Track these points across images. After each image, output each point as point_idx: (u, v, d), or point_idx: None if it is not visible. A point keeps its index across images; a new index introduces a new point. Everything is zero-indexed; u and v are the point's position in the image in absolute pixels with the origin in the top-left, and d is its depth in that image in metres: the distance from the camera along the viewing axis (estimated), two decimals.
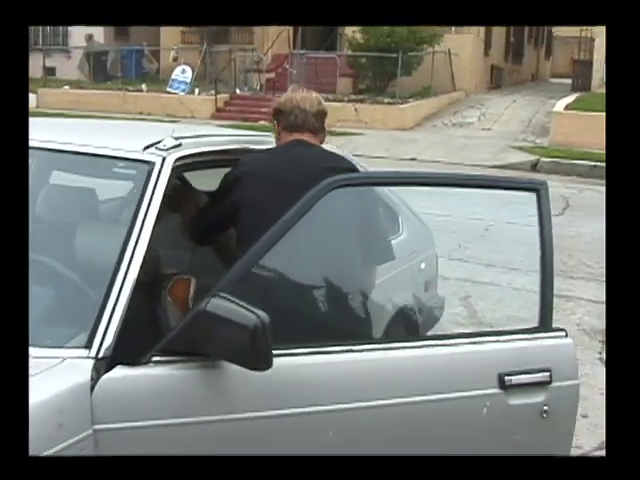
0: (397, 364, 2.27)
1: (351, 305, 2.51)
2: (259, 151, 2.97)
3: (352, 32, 19.21)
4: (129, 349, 2.07)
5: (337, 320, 2.41)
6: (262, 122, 18.75)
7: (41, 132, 2.65)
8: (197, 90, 20.10)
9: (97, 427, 1.92)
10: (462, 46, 19.42)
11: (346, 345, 2.24)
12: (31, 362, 1.93)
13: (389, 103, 18.13)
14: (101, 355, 2.01)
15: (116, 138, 2.75)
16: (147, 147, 2.50)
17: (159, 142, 2.52)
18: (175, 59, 21.30)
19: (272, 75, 21.17)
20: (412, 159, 14.77)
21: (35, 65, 22.88)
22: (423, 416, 2.28)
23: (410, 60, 18.19)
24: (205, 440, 2.03)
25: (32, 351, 1.97)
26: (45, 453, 1.80)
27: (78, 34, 22.95)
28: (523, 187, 2.61)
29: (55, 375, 1.94)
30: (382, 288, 3.80)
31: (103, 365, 2.00)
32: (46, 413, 1.83)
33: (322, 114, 3.02)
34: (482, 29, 21.25)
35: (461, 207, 9.31)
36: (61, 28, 23.77)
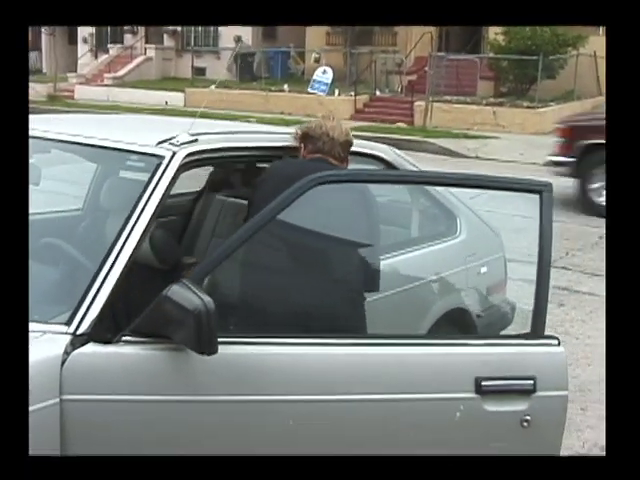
0: (370, 360, 2.30)
1: (323, 298, 2.54)
2: (286, 159, 3.06)
3: (494, 34, 18.87)
4: None
5: (309, 311, 2.45)
6: (400, 124, 18.82)
7: (80, 127, 2.87)
8: (337, 91, 20.39)
9: (64, 397, 2.08)
10: None
11: (319, 338, 2.30)
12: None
13: (528, 107, 17.67)
14: (80, 332, 2.17)
15: (137, 133, 2.92)
16: (161, 142, 2.65)
17: (174, 137, 2.66)
18: (317, 60, 21.70)
19: (413, 77, 21.15)
20: (546, 164, 14.34)
21: (185, 65, 24.09)
22: (394, 414, 2.29)
23: (552, 63, 17.65)
24: (165, 418, 2.14)
25: None
26: None
27: (227, 35, 23.83)
28: (526, 188, 2.55)
29: (30, 347, 2.10)
30: (425, 289, 3.81)
31: (80, 341, 2.16)
32: None
33: (348, 145, 3.13)
34: None
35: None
36: (212, 29, 24.75)
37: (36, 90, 23.08)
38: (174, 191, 4.21)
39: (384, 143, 3.88)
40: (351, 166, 3.24)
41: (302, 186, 2.28)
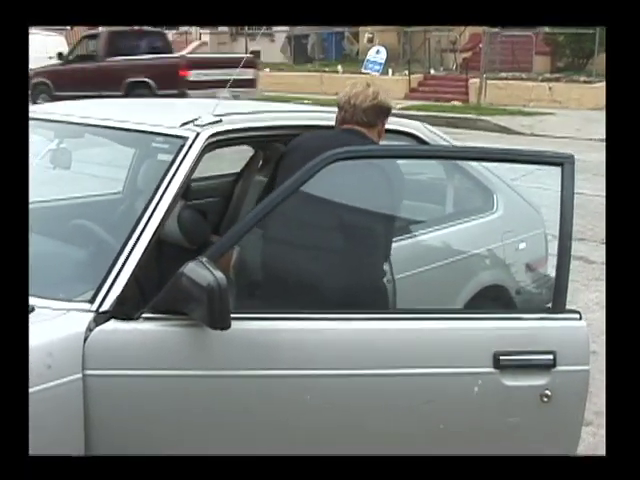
0: (387, 335, 2.31)
1: (342, 273, 2.55)
2: (314, 131, 3.07)
3: None
4: None
5: (325, 287, 2.47)
6: (454, 102, 18.62)
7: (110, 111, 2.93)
8: (390, 70, 20.26)
9: (87, 372, 2.15)
10: None
11: (336, 313, 2.32)
12: (41, 312, 2.20)
13: (585, 82, 17.31)
14: (102, 309, 2.23)
15: (163, 115, 2.97)
16: (185, 123, 2.69)
17: (198, 118, 2.70)
18: (370, 40, 21.58)
19: (468, 55, 20.89)
20: (601, 140, 14.07)
21: (240, 49, 24.21)
22: (412, 389, 2.30)
23: None
24: (184, 392, 2.20)
25: (45, 302, 2.24)
26: (34, 389, 2.03)
27: None
28: (547, 161, 2.53)
29: (54, 324, 2.18)
30: (460, 265, 3.79)
31: (103, 319, 2.22)
32: (35, 355, 2.07)
33: (375, 109, 3.02)
34: None
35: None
36: None
37: None
38: (215, 173, 4.30)
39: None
40: (382, 143, 3.23)
41: (318, 163, 2.30)
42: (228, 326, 2.05)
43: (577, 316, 2.39)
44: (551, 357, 2.32)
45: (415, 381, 2.29)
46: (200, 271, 2.06)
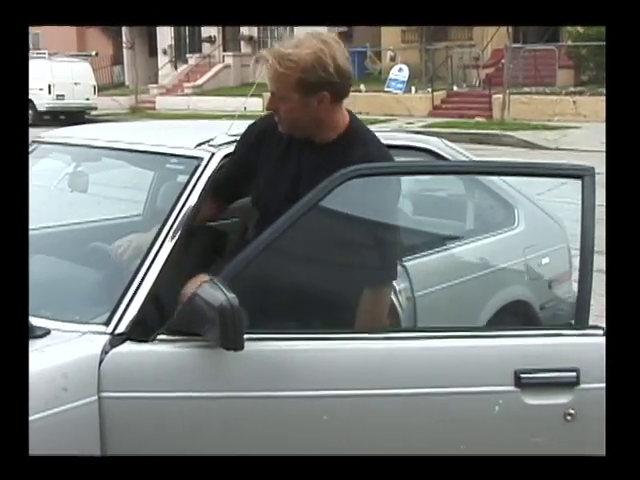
0: (406, 354, 2.27)
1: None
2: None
3: None
4: None
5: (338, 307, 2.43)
6: (478, 118, 18.58)
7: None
8: (414, 88, 20.29)
9: (102, 394, 2.14)
10: None
11: (354, 332, 2.30)
12: (56, 334, 2.20)
13: None
14: (118, 332, 2.22)
15: (179, 136, 2.98)
16: (200, 144, 2.69)
17: (212, 139, 2.70)
18: (393, 59, 21.63)
19: (491, 70, 20.86)
20: None
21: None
22: (431, 408, 2.26)
23: None
24: (200, 414, 2.18)
25: (60, 325, 2.24)
26: (50, 411, 2.04)
27: None
28: (566, 174, 2.49)
29: (69, 346, 2.18)
30: (481, 281, 3.74)
31: (118, 341, 2.21)
32: (50, 377, 2.07)
33: None
34: None
35: None
36: (287, 34, 24.92)
37: (119, 103, 23.86)
38: None
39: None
40: (400, 159, 3.16)
41: (331, 183, 2.27)
42: (241, 347, 2.03)
43: (601, 332, 2.33)
44: (574, 374, 2.27)
45: (435, 401, 2.24)
46: (213, 292, 2.05)
